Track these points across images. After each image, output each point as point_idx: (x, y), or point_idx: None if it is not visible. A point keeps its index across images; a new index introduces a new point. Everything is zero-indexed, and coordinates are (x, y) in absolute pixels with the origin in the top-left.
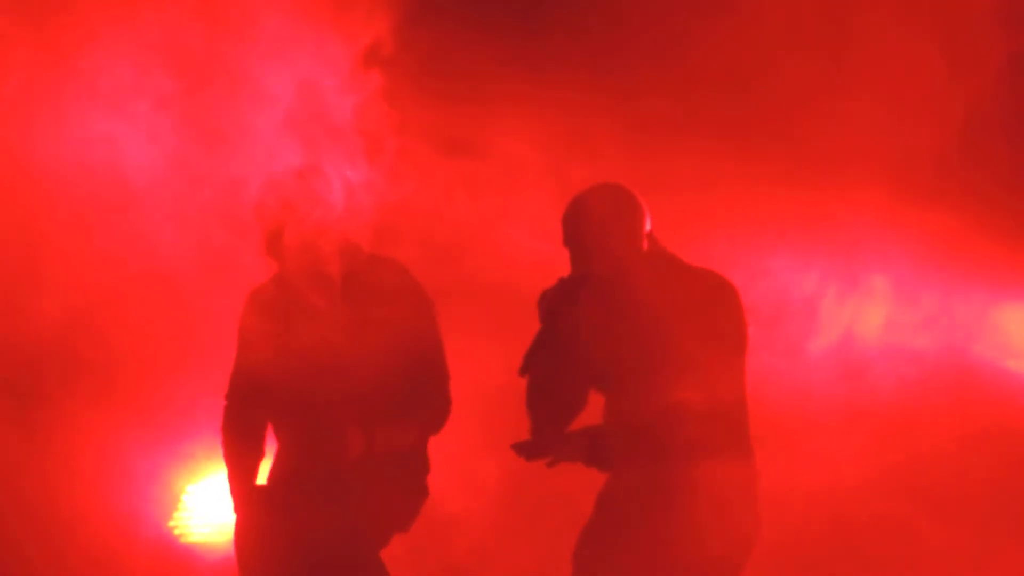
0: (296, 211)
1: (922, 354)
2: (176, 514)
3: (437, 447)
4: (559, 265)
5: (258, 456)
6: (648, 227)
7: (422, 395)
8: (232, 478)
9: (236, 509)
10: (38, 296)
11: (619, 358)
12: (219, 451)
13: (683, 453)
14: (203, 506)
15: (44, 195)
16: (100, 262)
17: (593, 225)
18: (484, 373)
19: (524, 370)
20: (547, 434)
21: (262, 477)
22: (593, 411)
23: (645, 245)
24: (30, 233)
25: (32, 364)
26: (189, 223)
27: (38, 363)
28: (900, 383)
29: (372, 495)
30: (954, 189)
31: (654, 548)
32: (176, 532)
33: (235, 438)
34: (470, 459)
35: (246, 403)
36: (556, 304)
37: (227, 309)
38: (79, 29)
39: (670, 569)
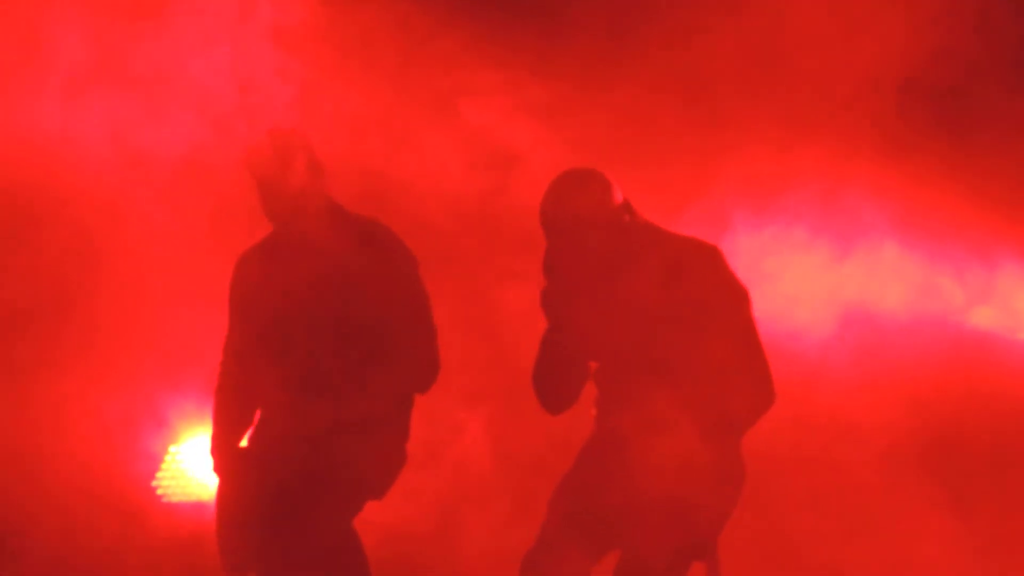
0: (291, 164)
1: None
2: (159, 473)
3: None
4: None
5: (247, 422)
6: (620, 199)
7: (408, 351)
8: (217, 438)
9: (217, 469)
10: (22, 253)
11: (605, 331)
12: (206, 411)
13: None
14: (186, 466)
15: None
16: (85, 218)
17: (560, 209)
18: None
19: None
20: None
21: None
22: None
23: (624, 217)
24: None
25: (17, 320)
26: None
27: (23, 319)
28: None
29: (350, 460)
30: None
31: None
32: (159, 491)
33: (228, 399)
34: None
35: (240, 367)
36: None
37: (213, 268)
38: None
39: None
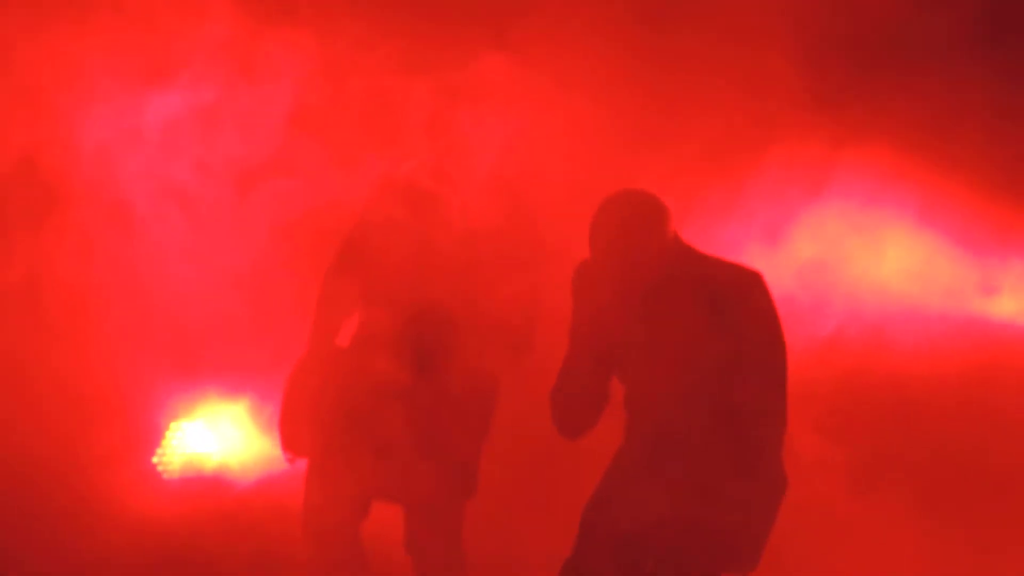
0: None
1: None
2: (159, 449)
3: None
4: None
5: (338, 328)
6: (671, 227)
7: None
8: (315, 333)
9: (308, 360)
10: (27, 232)
11: (640, 353)
12: (213, 387)
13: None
14: (187, 442)
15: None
16: (94, 198)
17: (613, 227)
18: None
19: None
20: None
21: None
22: None
23: (673, 244)
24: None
25: (21, 297)
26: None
27: (27, 297)
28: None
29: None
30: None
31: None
32: (159, 467)
33: (326, 307)
34: None
35: (344, 279)
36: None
37: (219, 250)
38: None
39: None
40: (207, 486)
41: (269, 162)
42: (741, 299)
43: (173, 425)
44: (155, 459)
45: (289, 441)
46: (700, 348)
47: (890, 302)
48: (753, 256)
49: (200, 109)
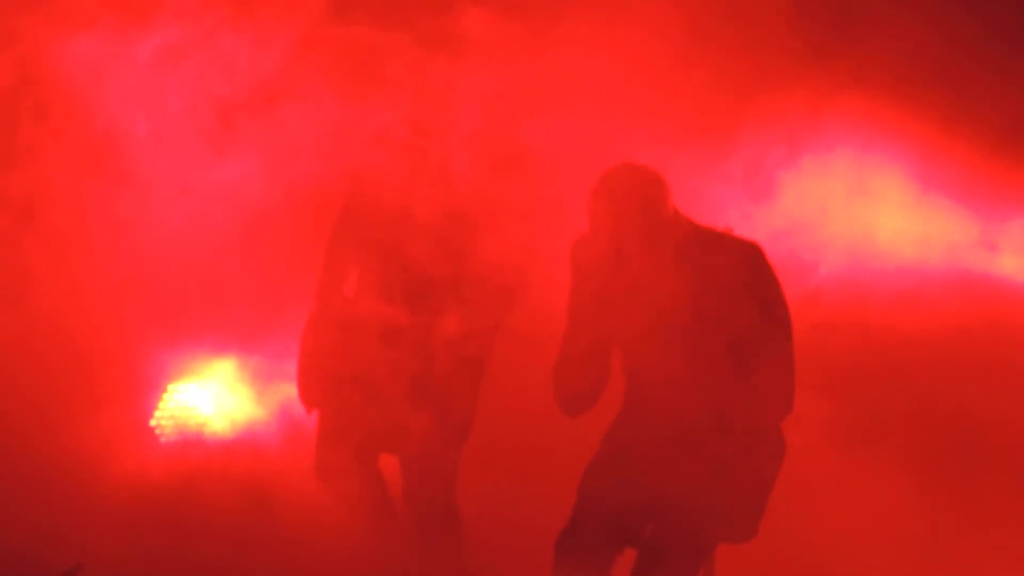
0: None
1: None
2: (158, 413)
3: None
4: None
5: (342, 282)
6: (671, 202)
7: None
8: (321, 290)
9: (317, 315)
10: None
11: (643, 321)
12: (204, 352)
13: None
14: (186, 405)
15: None
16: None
17: (612, 203)
18: None
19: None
20: None
21: None
22: None
23: (669, 217)
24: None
25: (19, 257)
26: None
27: (28, 258)
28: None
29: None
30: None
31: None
32: (157, 431)
33: (330, 264)
34: None
35: (343, 236)
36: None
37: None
38: None
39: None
40: (200, 444)
41: (254, 99)
42: (741, 272)
43: (170, 387)
44: (152, 423)
45: (305, 393)
46: (700, 321)
47: (883, 257)
48: (742, 210)
49: (184, 49)
